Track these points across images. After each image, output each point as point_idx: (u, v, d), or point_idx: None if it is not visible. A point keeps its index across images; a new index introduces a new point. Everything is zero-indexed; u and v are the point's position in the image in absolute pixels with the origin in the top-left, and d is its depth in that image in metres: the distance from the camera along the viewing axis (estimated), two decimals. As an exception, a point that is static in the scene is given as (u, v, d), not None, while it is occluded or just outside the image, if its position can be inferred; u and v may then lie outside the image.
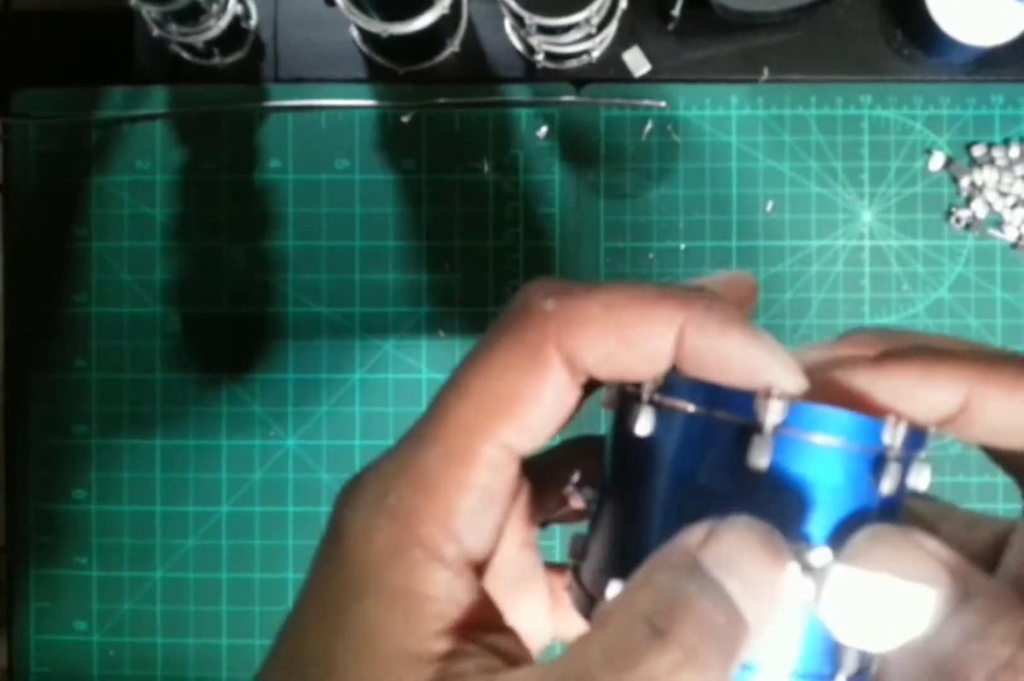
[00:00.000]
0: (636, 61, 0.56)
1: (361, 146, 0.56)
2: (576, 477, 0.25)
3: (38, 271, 0.56)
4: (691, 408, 0.22)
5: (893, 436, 0.22)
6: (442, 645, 0.20)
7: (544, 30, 0.50)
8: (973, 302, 0.55)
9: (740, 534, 0.20)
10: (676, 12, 0.54)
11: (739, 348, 0.21)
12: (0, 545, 0.57)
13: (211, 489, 0.56)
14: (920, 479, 0.23)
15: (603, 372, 0.22)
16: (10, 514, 0.56)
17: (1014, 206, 0.55)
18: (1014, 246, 0.55)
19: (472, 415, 0.21)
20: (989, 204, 0.55)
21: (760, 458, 0.21)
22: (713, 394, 0.22)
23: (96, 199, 0.57)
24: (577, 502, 0.25)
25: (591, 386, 0.23)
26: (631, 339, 0.21)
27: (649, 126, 0.56)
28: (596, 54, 0.55)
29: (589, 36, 0.52)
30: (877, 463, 0.22)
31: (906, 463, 0.23)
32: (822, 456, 0.21)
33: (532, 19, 0.48)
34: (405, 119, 0.56)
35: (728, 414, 0.21)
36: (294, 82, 0.57)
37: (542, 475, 0.25)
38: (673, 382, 0.22)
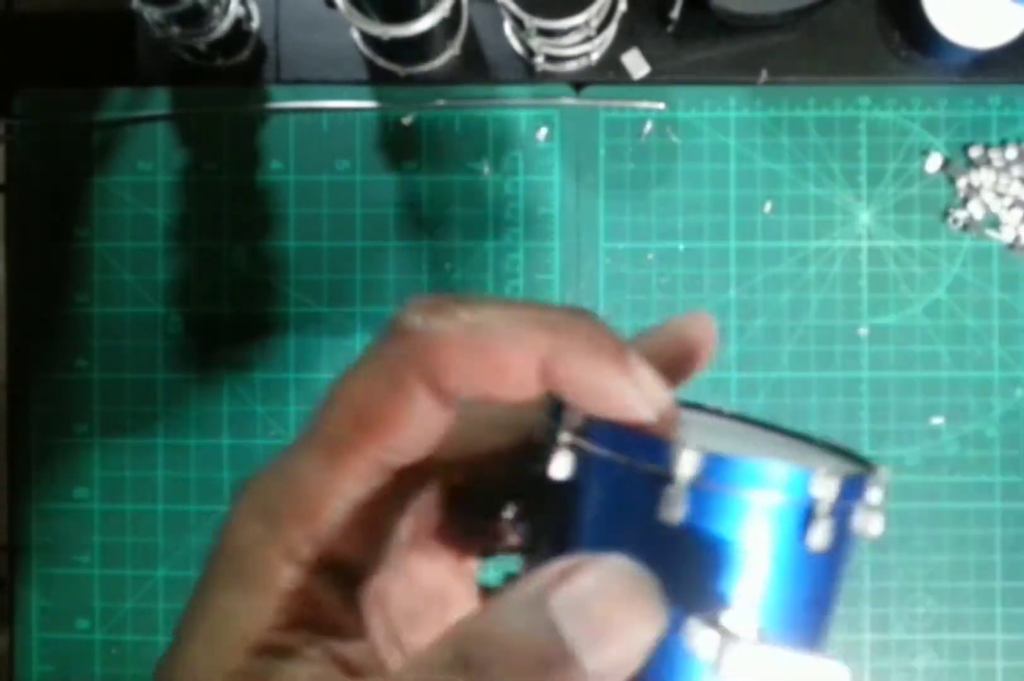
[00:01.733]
0: (635, 63, 0.56)
1: (362, 147, 0.57)
2: (511, 512, 0.24)
3: (40, 271, 0.57)
4: (607, 453, 0.21)
5: (824, 488, 0.20)
6: (282, 640, 0.21)
7: (544, 32, 0.51)
8: (970, 302, 0.56)
9: (597, 574, 0.19)
10: (675, 14, 0.55)
11: (603, 379, 0.21)
12: (2, 544, 0.57)
13: (213, 488, 0.56)
14: (869, 527, 0.22)
15: (469, 394, 0.22)
16: (12, 513, 0.56)
17: (1011, 207, 0.56)
18: (1011, 247, 0.56)
19: (341, 428, 0.22)
20: (986, 205, 0.56)
21: (672, 511, 0.20)
22: (628, 440, 0.21)
23: (98, 200, 0.57)
24: (512, 537, 0.24)
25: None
26: (492, 363, 0.21)
27: (648, 127, 0.56)
28: (595, 56, 0.56)
29: (588, 38, 0.52)
30: (806, 517, 0.20)
31: (845, 513, 0.21)
32: (740, 511, 0.20)
33: (532, 21, 0.48)
34: (406, 121, 0.57)
35: (643, 463, 0.20)
36: (295, 84, 0.57)
37: (482, 504, 0.25)
38: (590, 425, 0.21)
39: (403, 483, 0.23)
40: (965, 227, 0.56)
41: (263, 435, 0.56)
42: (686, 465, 0.20)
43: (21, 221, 0.57)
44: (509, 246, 0.56)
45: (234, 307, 0.57)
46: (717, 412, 0.27)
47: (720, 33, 0.56)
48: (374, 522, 0.23)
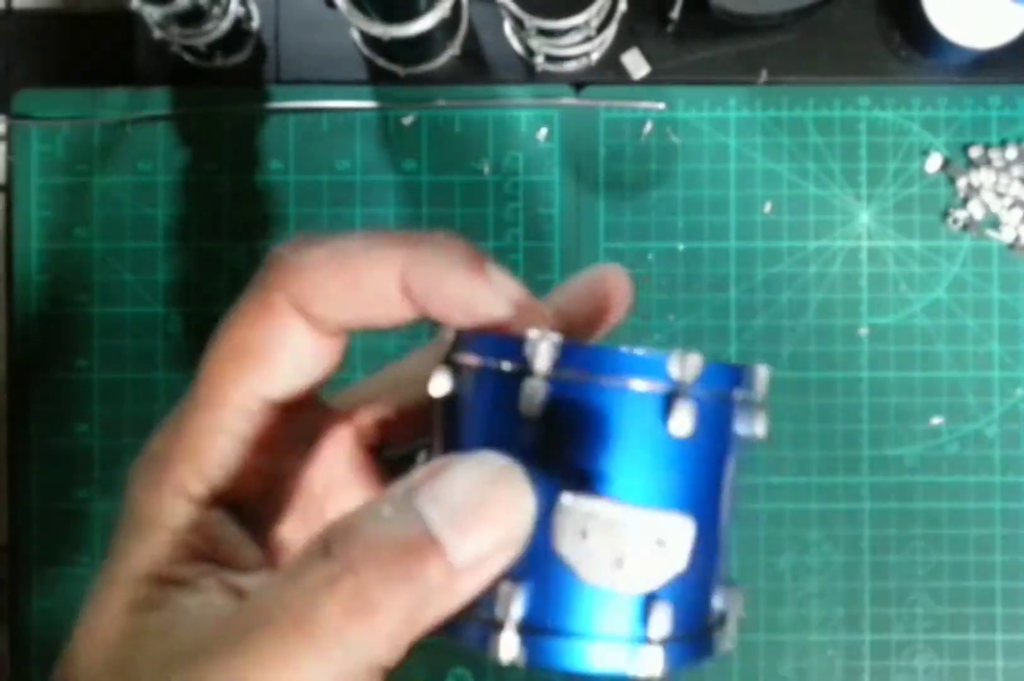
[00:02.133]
0: (635, 63, 0.56)
1: (362, 147, 0.57)
2: (423, 457, 0.24)
3: (39, 272, 0.57)
4: (476, 362, 0.21)
5: (682, 370, 0.20)
6: (177, 572, 0.21)
7: (544, 32, 0.51)
8: (970, 302, 0.56)
9: (464, 467, 0.20)
10: (675, 14, 0.55)
11: (457, 286, 0.21)
12: (2, 544, 0.57)
13: (213, 488, 0.56)
14: (753, 425, 0.22)
15: (341, 317, 0.22)
16: (12, 513, 0.56)
17: (1011, 207, 0.56)
18: (1011, 247, 0.56)
19: (218, 365, 0.23)
20: (986, 205, 0.56)
21: (532, 403, 0.20)
22: (490, 344, 0.21)
23: (98, 200, 0.57)
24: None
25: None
26: (355, 281, 0.22)
27: (648, 127, 0.56)
28: (595, 56, 0.56)
29: (588, 38, 0.52)
30: (665, 403, 0.20)
31: (721, 405, 0.21)
32: (597, 398, 0.20)
33: (532, 22, 0.48)
34: (406, 121, 0.57)
35: (504, 363, 0.21)
36: (295, 84, 0.57)
37: (395, 454, 0.26)
38: (460, 339, 0.22)
39: (307, 427, 0.24)
40: (965, 227, 0.56)
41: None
42: (541, 357, 0.20)
43: (20, 221, 0.57)
44: (509, 246, 0.56)
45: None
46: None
47: (720, 33, 0.56)
48: (273, 463, 0.23)
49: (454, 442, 0.22)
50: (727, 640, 0.22)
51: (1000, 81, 0.56)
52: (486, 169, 0.56)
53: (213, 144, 0.57)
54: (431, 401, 0.23)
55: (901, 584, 0.55)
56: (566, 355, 0.20)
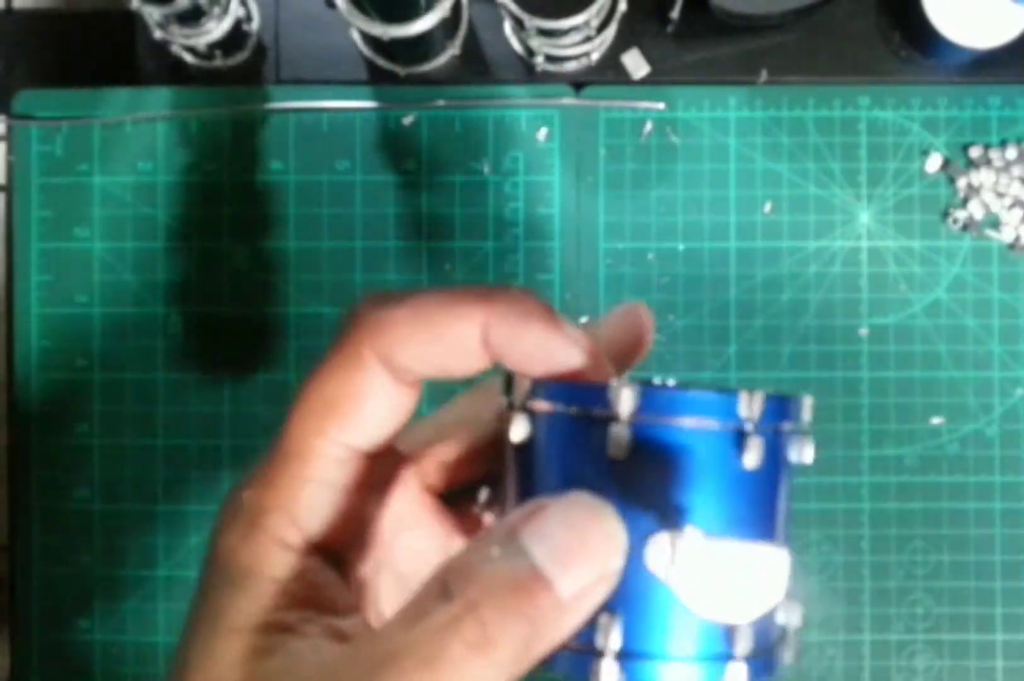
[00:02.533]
0: (635, 63, 0.56)
1: (362, 147, 0.57)
2: (484, 495, 0.26)
3: (40, 272, 0.57)
4: (555, 408, 0.23)
5: (750, 409, 0.22)
6: (281, 619, 0.22)
7: (544, 33, 0.51)
8: (970, 302, 0.56)
9: (562, 506, 0.21)
10: (675, 14, 0.55)
11: (536, 338, 0.23)
12: (3, 544, 0.57)
13: (213, 488, 0.56)
14: (803, 453, 0.23)
15: (423, 369, 0.24)
16: (13, 513, 0.56)
17: (1011, 207, 0.56)
18: (1011, 247, 0.56)
19: (306, 417, 0.24)
20: (986, 205, 0.56)
21: (619, 447, 0.22)
22: (570, 392, 0.23)
23: (98, 200, 0.57)
24: (488, 518, 0.26)
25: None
26: (438, 335, 0.23)
27: (648, 127, 0.56)
28: (595, 56, 0.56)
29: (588, 38, 0.52)
30: (738, 439, 0.22)
31: (777, 436, 0.23)
32: (677, 438, 0.22)
33: (532, 22, 0.48)
34: (406, 121, 0.57)
35: (588, 409, 0.22)
36: (295, 84, 0.57)
37: (460, 493, 0.27)
38: (537, 387, 0.23)
39: (381, 472, 0.25)
40: (965, 227, 0.56)
41: (263, 435, 0.56)
42: (624, 403, 0.22)
43: (21, 221, 0.57)
44: (509, 246, 0.56)
45: (234, 307, 0.57)
46: (663, 386, 0.29)
47: (720, 33, 0.56)
48: (358, 509, 0.25)
49: (535, 483, 0.24)
50: (792, 653, 0.24)
51: (1000, 81, 0.56)
52: (486, 169, 0.56)
53: (213, 144, 0.57)
54: (505, 445, 0.24)
55: (901, 584, 0.55)
56: (647, 400, 0.22)
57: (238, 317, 0.57)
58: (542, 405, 0.23)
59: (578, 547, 0.21)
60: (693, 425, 0.22)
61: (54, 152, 0.57)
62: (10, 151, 0.57)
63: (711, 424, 0.22)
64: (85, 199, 0.57)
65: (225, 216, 0.57)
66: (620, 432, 0.22)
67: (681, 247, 0.56)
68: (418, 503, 0.26)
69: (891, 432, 0.55)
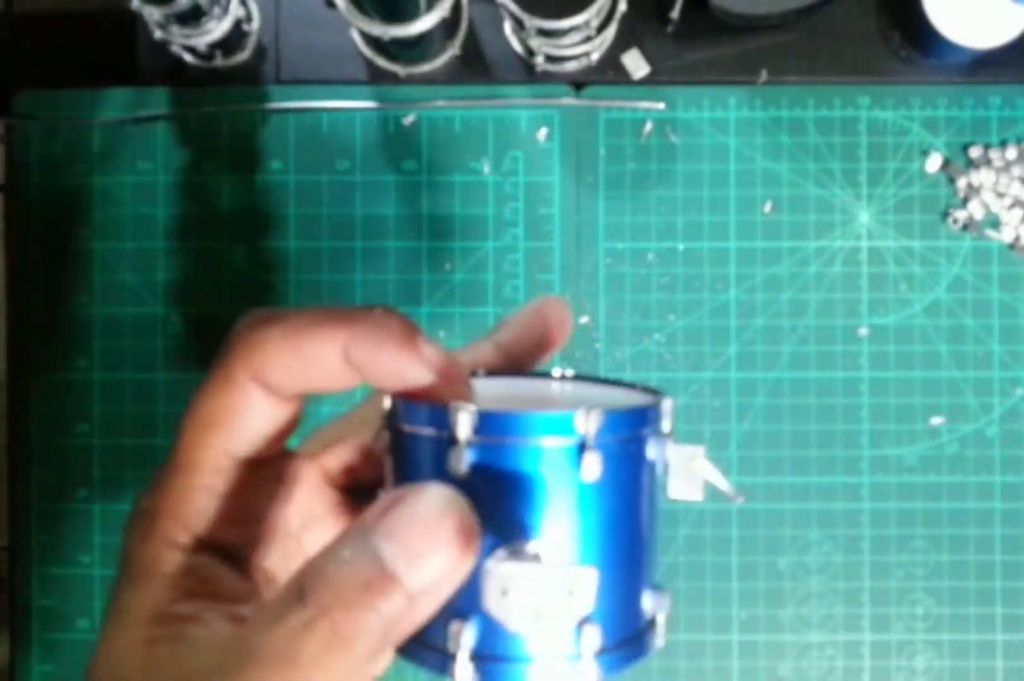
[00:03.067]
0: (635, 63, 0.56)
1: (362, 147, 0.57)
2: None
3: (40, 271, 0.57)
4: (410, 427, 0.25)
5: (586, 425, 0.23)
6: (180, 609, 0.24)
7: (544, 33, 0.51)
8: (970, 302, 0.56)
9: (410, 504, 0.22)
10: (675, 14, 0.55)
11: (389, 358, 0.25)
12: (3, 544, 0.57)
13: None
14: (660, 451, 0.25)
15: (294, 385, 0.25)
16: (13, 513, 0.56)
17: (1011, 207, 0.56)
18: (1011, 247, 0.56)
19: (192, 431, 0.26)
20: (986, 205, 0.56)
21: (458, 465, 0.23)
22: (419, 411, 0.24)
23: (98, 200, 0.57)
24: None
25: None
26: (303, 354, 0.25)
27: (648, 127, 0.56)
28: (595, 56, 0.56)
29: (588, 38, 0.52)
30: (577, 454, 0.23)
31: (626, 445, 0.24)
32: (515, 457, 0.23)
33: (532, 22, 0.48)
34: (406, 121, 0.57)
35: (433, 429, 0.24)
36: (295, 84, 0.57)
37: (361, 488, 0.29)
38: (396, 405, 0.25)
39: (281, 473, 0.28)
40: (965, 227, 0.56)
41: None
42: (462, 425, 0.23)
43: (21, 221, 0.57)
44: (509, 246, 0.56)
45: (234, 307, 0.57)
46: (560, 377, 0.30)
47: (720, 33, 0.56)
48: (249, 509, 0.27)
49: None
50: (658, 639, 0.25)
51: (1000, 81, 0.56)
52: (486, 169, 0.56)
53: (213, 144, 0.57)
54: (380, 455, 0.26)
55: (901, 584, 0.55)
56: (484, 422, 0.23)
57: (237, 317, 0.56)
58: (402, 425, 0.25)
59: (426, 544, 0.22)
60: (531, 443, 0.23)
61: (54, 152, 0.57)
62: (10, 151, 0.57)
63: (549, 442, 0.23)
64: (85, 199, 0.57)
65: (225, 216, 0.57)
66: (458, 452, 0.23)
67: (681, 247, 0.56)
68: (323, 499, 0.28)
69: (891, 432, 0.55)
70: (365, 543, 0.22)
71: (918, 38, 0.56)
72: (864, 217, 0.56)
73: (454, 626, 0.23)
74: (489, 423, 0.23)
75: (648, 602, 0.25)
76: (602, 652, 0.24)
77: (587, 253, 0.56)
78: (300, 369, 0.25)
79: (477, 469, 0.23)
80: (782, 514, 0.55)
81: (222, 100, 0.57)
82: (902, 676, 0.55)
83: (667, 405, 0.26)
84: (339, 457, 0.29)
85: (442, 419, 0.24)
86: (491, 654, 0.23)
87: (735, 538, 0.55)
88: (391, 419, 0.25)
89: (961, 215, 0.56)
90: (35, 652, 0.56)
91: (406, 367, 0.25)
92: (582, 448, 0.23)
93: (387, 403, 0.26)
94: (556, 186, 0.56)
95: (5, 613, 0.56)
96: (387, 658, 0.23)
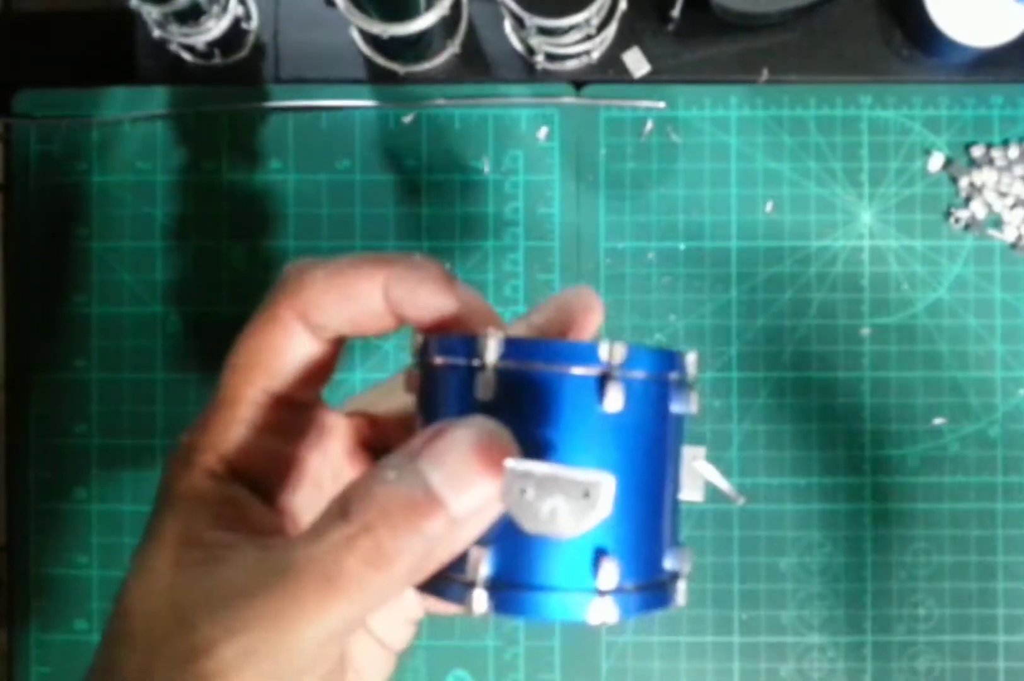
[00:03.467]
0: (636, 62, 0.56)
1: (361, 146, 0.56)
2: None
3: (39, 271, 0.57)
4: (442, 359, 0.25)
5: (608, 353, 0.24)
6: (214, 536, 0.25)
7: (544, 31, 0.51)
8: (972, 302, 0.56)
9: (457, 433, 0.23)
10: (676, 13, 0.54)
11: (427, 295, 0.26)
12: (2, 544, 0.57)
13: (211, 488, 0.56)
14: (685, 403, 0.25)
15: (336, 325, 0.27)
16: (11, 513, 0.56)
17: (1013, 206, 0.55)
18: (1013, 246, 0.56)
19: (236, 369, 0.27)
20: (988, 204, 0.55)
21: (486, 389, 0.24)
22: (452, 344, 0.25)
23: (97, 199, 0.57)
24: None
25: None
26: (346, 294, 0.26)
27: (649, 126, 0.56)
28: (596, 55, 0.56)
29: (589, 37, 0.52)
30: (600, 384, 0.24)
31: (649, 385, 0.25)
32: (540, 382, 0.24)
33: (532, 20, 0.48)
34: (405, 119, 0.56)
35: (464, 358, 0.25)
36: (294, 83, 0.57)
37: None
38: (428, 341, 0.26)
39: (308, 423, 0.29)
40: (967, 227, 0.56)
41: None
42: (491, 350, 0.24)
43: (19, 220, 0.57)
44: (509, 246, 0.56)
45: (234, 307, 0.56)
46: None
47: (721, 32, 0.56)
48: (284, 449, 0.28)
49: (430, 424, 0.25)
50: (679, 595, 0.25)
51: (1002, 80, 0.56)
52: (486, 168, 0.56)
53: (212, 143, 0.57)
54: (410, 396, 0.27)
55: (903, 585, 0.55)
56: (510, 348, 0.24)
57: (237, 317, 0.56)
58: (432, 358, 0.26)
59: (473, 472, 0.23)
60: (556, 370, 0.24)
61: (53, 151, 0.57)
62: (9, 150, 0.57)
63: (573, 369, 0.24)
64: (84, 198, 0.57)
65: (224, 215, 0.57)
66: (486, 376, 0.24)
67: (682, 246, 0.56)
68: (353, 460, 0.30)
69: (893, 432, 0.55)
70: (412, 467, 0.23)
71: (920, 37, 0.55)
72: (866, 217, 0.56)
73: (474, 552, 0.23)
74: (516, 349, 0.24)
75: (670, 557, 0.25)
76: (620, 591, 0.24)
77: (587, 253, 0.56)
78: (343, 307, 0.26)
79: (503, 394, 0.24)
80: (783, 515, 0.55)
81: (221, 99, 0.56)
82: (904, 678, 0.55)
83: (691, 357, 0.26)
84: (367, 417, 0.30)
85: (472, 347, 0.24)
86: (508, 581, 0.23)
87: (736, 539, 0.55)
88: (422, 356, 0.26)
89: (963, 214, 0.55)
90: (33, 652, 0.56)
91: (442, 301, 0.26)
92: (605, 379, 0.24)
93: (418, 339, 0.27)
94: (556, 185, 0.56)
95: (3, 613, 0.56)
96: (414, 585, 0.24)
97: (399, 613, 0.30)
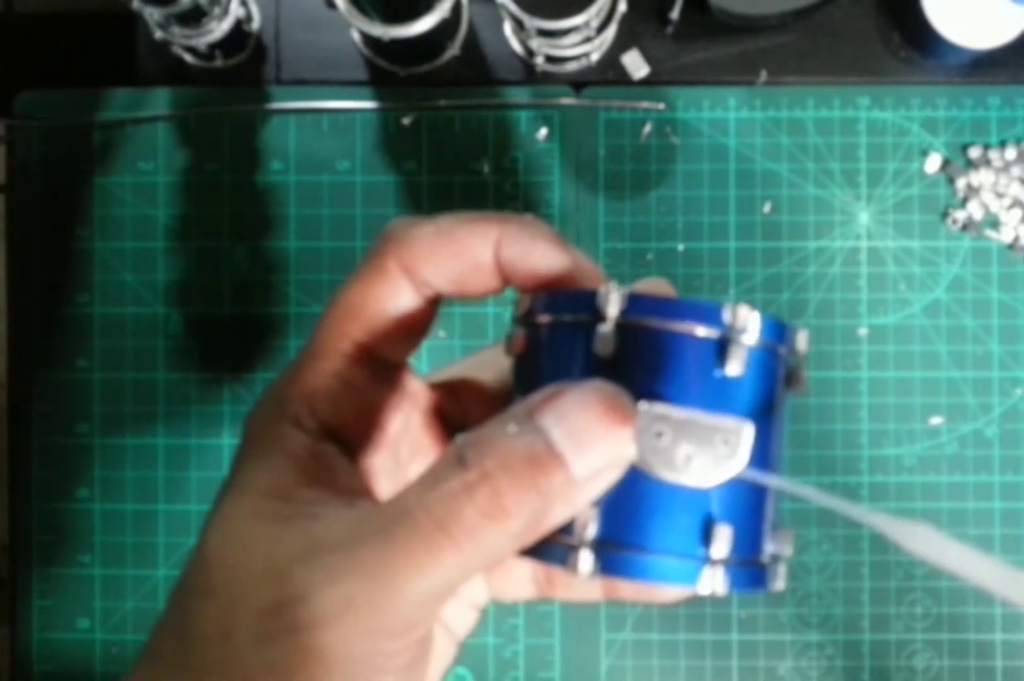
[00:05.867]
0: (635, 64, 0.56)
1: (362, 148, 0.57)
2: None
3: (41, 271, 0.57)
4: (553, 318, 0.25)
5: (732, 315, 0.23)
6: (303, 492, 0.24)
7: (544, 33, 0.51)
8: (970, 303, 0.56)
9: (580, 392, 0.22)
10: (675, 15, 0.55)
11: (542, 253, 0.26)
12: (3, 543, 0.57)
13: (213, 487, 0.56)
14: (796, 382, 0.25)
15: (442, 283, 0.26)
16: (13, 513, 0.56)
17: (1010, 207, 0.56)
18: (1010, 247, 0.56)
19: (332, 319, 0.26)
20: (985, 205, 0.56)
21: (604, 344, 0.23)
22: (566, 300, 0.25)
23: (99, 200, 0.57)
24: None
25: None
26: (456, 250, 0.26)
27: (648, 128, 0.56)
28: (595, 57, 0.56)
29: (588, 39, 0.52)
30: (721, 347, 0.23)
31: (766, 353, 0.24)
32: (661, 340, 0.23)
33: (532, 22, 0.49)
34: (406, 121, 0.57)
35: (580, 314, 0.24)
36: (296, 84, 0.57)
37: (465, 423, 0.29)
38: (536, 302, 0.25)
39: (394, 387, 0.28)
40: (964, 227, 0.56)
41: (263, 435, 0.56)
42: (612, 305, 0.23)
43: (21, 221, 0.57)
44: (509, 246, 0.56)
45: (234, 307, 0.57)
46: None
47: (719, 34, 0.56)
48: (370, 409, 0.27)
49: (538, 384, 0.24)
50: (780, 579, 0.24)
51: (999, 81, 0.56)
52: (486, 169, 0.56)
53: (213, 144, 0.57)
54: (510, 362, 0.26)
55: (900, 584, 0.55)
56: (633, 303, 0.23)
57: (238, 317, 0.57)
58: (542, 318, 0.25)
59: (595, 430, 0.22)
60: (677, 329, 0.23)
61: (55, 152, 0.57)
62: (12, 152, 0.57)
63: (696, 329, 0.23)
64: (85, 199, 0.57)
65: (225, 216, 0.57)
66: (606, 330, 0.23)
67: (681, 247, 0.56)
68: (432, 432, 0.29)
69: (890, 432, 0.55)
70: (533, 422, 0.22)
71: (917, 38, 0.56)
72: (863, 217, 0.56)
73: (582, 513, 0.22)
74: (638, 305, 0.23)
75: (773, 538, 0.25)
76: (729, 563, 0.23)
77: (587, 253, 0.56)
78: (452, 263, 0.26)
79: (622, 351, 0.23)
80: (781, 513, 0.55)
81: (222, 101, 0.57)
82: (902, 676, 0.55)
83: (803, 335, 0.25)
84: (453, 396, 0.29)
85: (589, 301, 0.24)
86: (617, 542, 0.22)
87: (735, 538, 0.55)
88: (527, 316, 0.25)
89: (960, 215, 0.56)
90: (35, 652, 0.56)
91: (556, 259, 0.26)
92: (726, 342, 0.23)
93: (524, 300, 0.26)
94: (556, 186, 0.56)
95: (5, 613, 0.56)
96: (526, 545, 0.23)
97: (466, 597, 0.29)
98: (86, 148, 0.57)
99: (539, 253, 0.26)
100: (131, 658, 0.56)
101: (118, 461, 0.56)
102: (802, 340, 0.25)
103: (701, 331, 0.23)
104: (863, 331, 0.56)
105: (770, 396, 0.24)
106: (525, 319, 0.26)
